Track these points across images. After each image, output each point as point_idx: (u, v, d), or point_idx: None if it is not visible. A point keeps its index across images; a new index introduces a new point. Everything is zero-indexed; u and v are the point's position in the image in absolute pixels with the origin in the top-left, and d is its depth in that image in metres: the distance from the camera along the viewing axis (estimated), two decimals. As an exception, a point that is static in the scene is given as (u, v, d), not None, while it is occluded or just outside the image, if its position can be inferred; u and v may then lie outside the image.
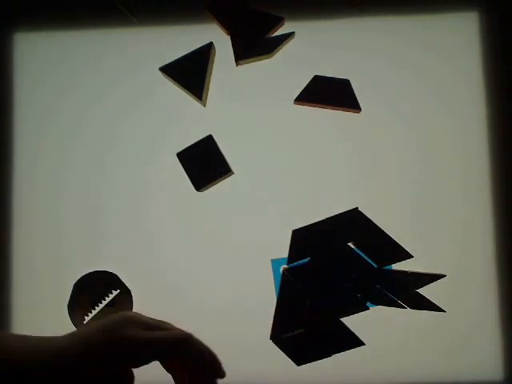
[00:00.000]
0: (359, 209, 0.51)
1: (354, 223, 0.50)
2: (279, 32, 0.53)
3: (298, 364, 0.49)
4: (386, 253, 0.50)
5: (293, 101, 0.52)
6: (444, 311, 0.49)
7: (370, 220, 0.50)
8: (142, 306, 0.52)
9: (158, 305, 0.52)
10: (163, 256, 0.52)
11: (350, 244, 0.50)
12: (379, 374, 0.50)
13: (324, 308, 0.49)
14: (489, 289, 0.51)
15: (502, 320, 0.51)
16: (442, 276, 0.49)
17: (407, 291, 0.49)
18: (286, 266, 0.50)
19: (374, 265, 0.49)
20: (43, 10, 0.56)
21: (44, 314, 0.53)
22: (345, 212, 0.50)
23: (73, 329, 0.45)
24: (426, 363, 0.50)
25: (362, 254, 0.50)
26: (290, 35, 0.52)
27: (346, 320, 0.49)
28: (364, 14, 0.54)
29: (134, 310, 0.52)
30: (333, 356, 0.49)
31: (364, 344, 0.49)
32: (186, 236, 0.52)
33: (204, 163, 0.50)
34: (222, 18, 0.53)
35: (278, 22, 0.53)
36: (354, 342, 0.49)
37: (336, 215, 0.50)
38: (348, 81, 0.52)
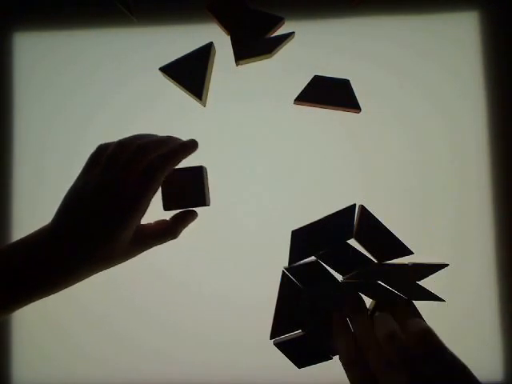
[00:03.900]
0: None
1: (353, 219, 0.50)
2: (279, 32, 0.53)
3: (299, 367, 0.49)
4: (387, 249, 0.50)
5: (293, 101, 0.52)
6: (443, 300, 0.49)
7: (371, 215, 0.50)
8: (145, 301, 0.52)
9: (159, 301, 0.52)
10: (165, 255, 0.52)
11: (349, 242, 0.50)
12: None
13: (324, 308, 0.49)
14: (488, 289, 0.51)
15: (502, 320, 0.50)
16: (445, 265, 0.49)
17: (408, 283, 0.49)
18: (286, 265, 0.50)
19: (374, 261, 0.49)
20: (43, 10, 0.56)
21: (44, 315, 0.53)
22: (343, 209, 0.50)
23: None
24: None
25: (362, 251, 0.50)
26: (289, 35, 0.52)
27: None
28: (364, 14, 0.54)
29: (132, 304, 0.52)
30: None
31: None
32: (187, 234, 0.52)
33: (183, 190, 0.47)
34: (222, 18, 0.53)
35: (278, 21, 0.53)
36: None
37: (334, 212, 0.50)
38: (348, 81, 0.52)
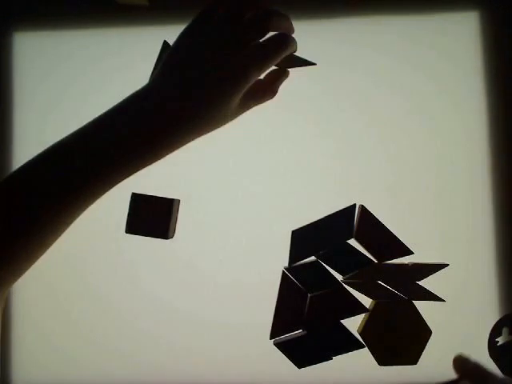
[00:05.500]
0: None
1: (353, 219, 0.50)
2: None
3: (299, 367, 0.49)
4: (387, 249, 0.50)
5: (292, 101, 0.52)
6: (444, 300, 0.49)
7: (371, 215, 0.50)
8: (144, 302, 0.52)
9: (159, 301, 0.52)
10: (165, 255, 0.52)
11: (349, 242, 0.50)
12: (379, 374, 0.50)
13: (324, 309, 0.49)
14: (488, 289, 0.51)
15: (503, 320, 0.50)
16: (445, 265, 0.48)
17: (408, 283, 0.49)
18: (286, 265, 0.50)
19: (374, 260, 0.49)
20: (43, 10, 0.56)
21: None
22: (343, 209, 0.50)
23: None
24: (425, 364, 0.50)
25: (362, 250, 0.49)
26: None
27: (346, 322, 0.49)
28: (364, 14, 0.54)
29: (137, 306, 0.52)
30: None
31: (365, 346, 0.49)
32: (188, 233, 0.52)
33: (149, 218, 0.46)
34: None
35: None
36: (354, 344, 0.49)
37: (335, 212, 0.50)
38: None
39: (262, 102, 0.42)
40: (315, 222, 0.50)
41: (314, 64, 0.45)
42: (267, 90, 0.43)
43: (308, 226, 0.50)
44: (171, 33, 0.55)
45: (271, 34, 0.38)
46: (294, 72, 0.54)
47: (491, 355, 0.50)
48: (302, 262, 0.50)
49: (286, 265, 0.50)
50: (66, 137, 0.37)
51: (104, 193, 0.37)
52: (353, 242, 0.51)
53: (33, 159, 0.36)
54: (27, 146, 0.55)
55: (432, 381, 0.50)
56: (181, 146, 0.39)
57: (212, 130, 0.40)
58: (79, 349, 0.53)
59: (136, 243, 0.52)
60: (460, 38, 0.53)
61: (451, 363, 0.50)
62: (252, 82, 0.37)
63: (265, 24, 0.37)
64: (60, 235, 0.37)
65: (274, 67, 0.42)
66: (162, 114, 0.36)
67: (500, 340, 0.50)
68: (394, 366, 0.49)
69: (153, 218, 0.45)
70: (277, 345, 0.49)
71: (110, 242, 0.53)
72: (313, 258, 0.50)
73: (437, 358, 0.50)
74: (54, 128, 0.55)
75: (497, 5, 0.54)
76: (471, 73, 0.53)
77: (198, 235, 0.52)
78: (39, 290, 0.53)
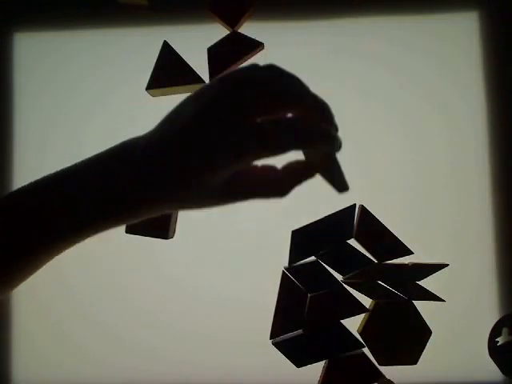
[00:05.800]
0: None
1: (353, 219, 0.50)
2: (257, 56, 0.51)
3: (298, 366, 0.49)
4: (387, 249, 0.50)
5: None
6: (443, 300, 0.49)
7: (371, 215, 0.50)
8: (144, 302, 0.52)
9: (159, 302, 0.52)
10: (165, 256, 0.52)
11: (349, 242, 0.50)
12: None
13: (324, 309, 0.49)
14: (488, 289, 0.51)
15: (502, 320, 0.50)
16: (445, 265, 0.48)
17: (408, 283, 0.49)
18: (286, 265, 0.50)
19: (374, 260, 0.49)
20: (43, 10, 0.56)
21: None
22: (343, 209, 0.50)
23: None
24: (425, 364, 0.50)
25: (362, 251, 0.50)
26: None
27: (346, 322, 0.49)
28: (364, 14, 0.54)
29: (137, 302, 0.52)
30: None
31: (364, 346, 0.49)
32: (186, 234, 0.52)
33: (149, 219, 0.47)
34: (226, 17, 0.52)
35: (256, 46, 0.50)
36: (354, 344, 0.49)
37: (335, 212, 0.50)
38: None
39: (267, 198, 0.34)
40: (315, 221, 0.50)
41: (346, 190, 0.34)
42: (277, 185, 0.34)
43: (308, 225, 0.50)
44: (171, 33, 0.55)
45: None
46: (296, 71, 0.54)
47: (491, 355, 0.50)
48: (301, 261, 0.50)
49: (286, 265, 0.50)
50: (62, 170, 0.33)
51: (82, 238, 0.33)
52: (353, 242, 0.51)
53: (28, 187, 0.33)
54: (28, 146, 0.55)
55: (432, 381, 0.50)
56: (160, 213, 0.34)
57: (199, 207, 0.33)
58: (79, 350, 0.53)
59: (136, 243, 0.52)
60: (459, 38, 0.53)
61: (451, 363, 0.50)
62: (244, 163, 0.32)
63: (274, 104, 0.32)
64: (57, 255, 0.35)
65: (300, 155, 0.34)
66: (150, 185, 0.32)
67: (500, 340, 0.50)
68: (394, 366, 0.49)
69: (153, 218, 0.45)
70: (275, 344, 0.49)
71: (109, 242, 0.53)
72: (313, 258, 0.50)
73: (437, 358, 0.50)
74: (54, 128, 0.55)
75: (496, 5, 0.54)
76: (471, 73, 0.53)
77: (198, 235, 0.52)
78: (38, 290, 0.53)
